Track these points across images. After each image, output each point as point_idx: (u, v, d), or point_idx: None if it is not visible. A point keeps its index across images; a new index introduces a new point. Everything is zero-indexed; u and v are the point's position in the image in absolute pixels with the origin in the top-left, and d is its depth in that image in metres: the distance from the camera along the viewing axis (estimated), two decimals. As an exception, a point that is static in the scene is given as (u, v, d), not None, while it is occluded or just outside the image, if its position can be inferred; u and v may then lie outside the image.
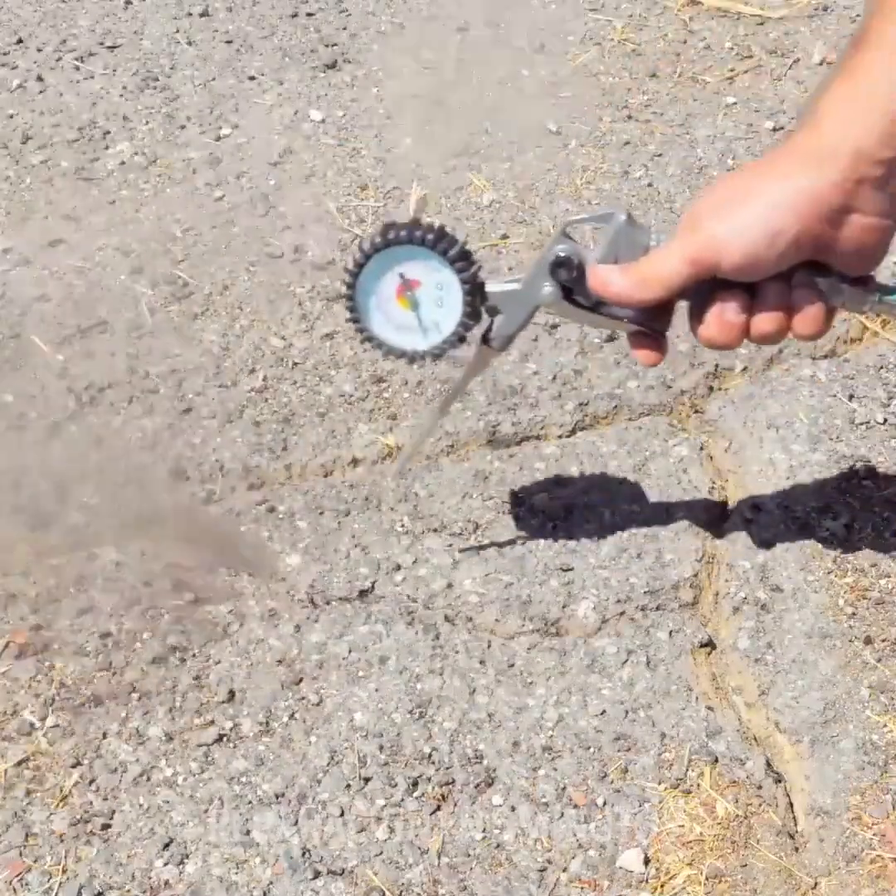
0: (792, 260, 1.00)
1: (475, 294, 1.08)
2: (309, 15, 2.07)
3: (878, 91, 0.94)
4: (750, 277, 1.01)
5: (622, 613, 1.24)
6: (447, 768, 1.11)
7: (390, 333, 1.11)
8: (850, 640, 1.22)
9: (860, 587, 1.27)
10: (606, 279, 1.05)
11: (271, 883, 1.04)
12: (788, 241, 0.97)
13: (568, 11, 2.10)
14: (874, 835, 1.09)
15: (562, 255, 1.06)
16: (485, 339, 1.13)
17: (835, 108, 0.96)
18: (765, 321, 1.03)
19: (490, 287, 1.10)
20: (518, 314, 1.11)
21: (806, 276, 1.02)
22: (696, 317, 1.06)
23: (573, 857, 1.07)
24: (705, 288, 1.03)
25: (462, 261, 1.07)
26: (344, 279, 1.09)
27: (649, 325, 1.09)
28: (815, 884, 1.06)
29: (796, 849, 1.09)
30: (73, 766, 1.10)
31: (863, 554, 1.30)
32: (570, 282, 1.07)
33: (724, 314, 1.03)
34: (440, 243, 1.06)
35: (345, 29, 2.04)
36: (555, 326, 1.54)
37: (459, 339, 1.10)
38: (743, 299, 1.03)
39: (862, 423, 1.43)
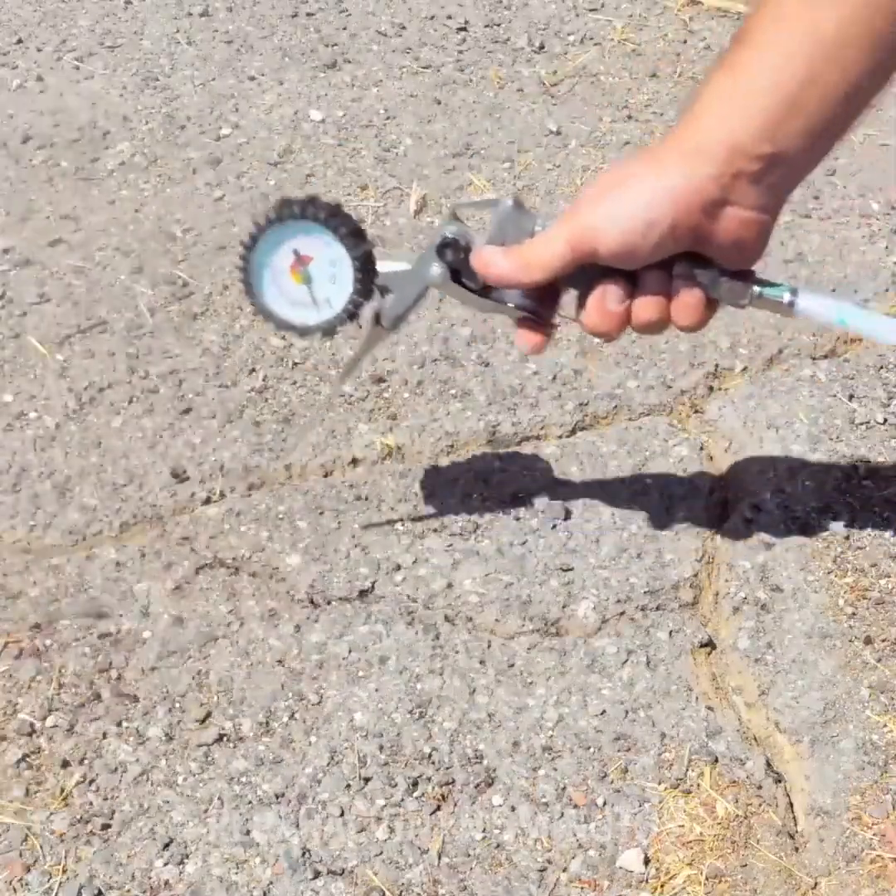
0: (669, 250, 1.01)
1: (366, 272, 1.10)
2: (309, 15, 2.07)
3: (755, 87, 0.95)
4: (627, 265, 1.02)
5: (622, 613, 1.24)
6: (447, 768, 1.11)
7: (283, 307, 1.13)
8: (850, 640, 1.22)
9: (860, 587, 1.27)
10: (489, 260, 1.07)
11: (271, 883, 1.04)
12: (664, 231, 0.98)
13: (568, 11, 2.10)
14: (874, 835, 1.09)
15: (448, 236, 1.09)
16: (376, 319, 1.15)
17: (714, 103, 0.98)
18: (644, 309, 1.04)
19: (381, 266, 1.12)
20: (408, 294, 1.13)
21: (686, 267, 1.03)
22: (580, 304, 1.08)
23: (573, 857, 1.07)
24: (589, 275, 1.04)
25: (354, 238, 1.08)
26: (239, 252, 1.11)
27: (534, 310, 1.10)
28: (815, 884, 1.06)
29: (796, 849, 1.09)
30: (74, 766, 1.10)
31: (863, 554, 1.30)
32: (457, 263, 1.09)
33: (604, 301, 1.05)
34: (333, 220, 1.07)
35: (345, 29, 2.04)
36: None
37: (349, 316, 1.12)
38: (624, 287, 1.04)
39: (862, 423, 1.43)
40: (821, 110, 0.96)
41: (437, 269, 1.10)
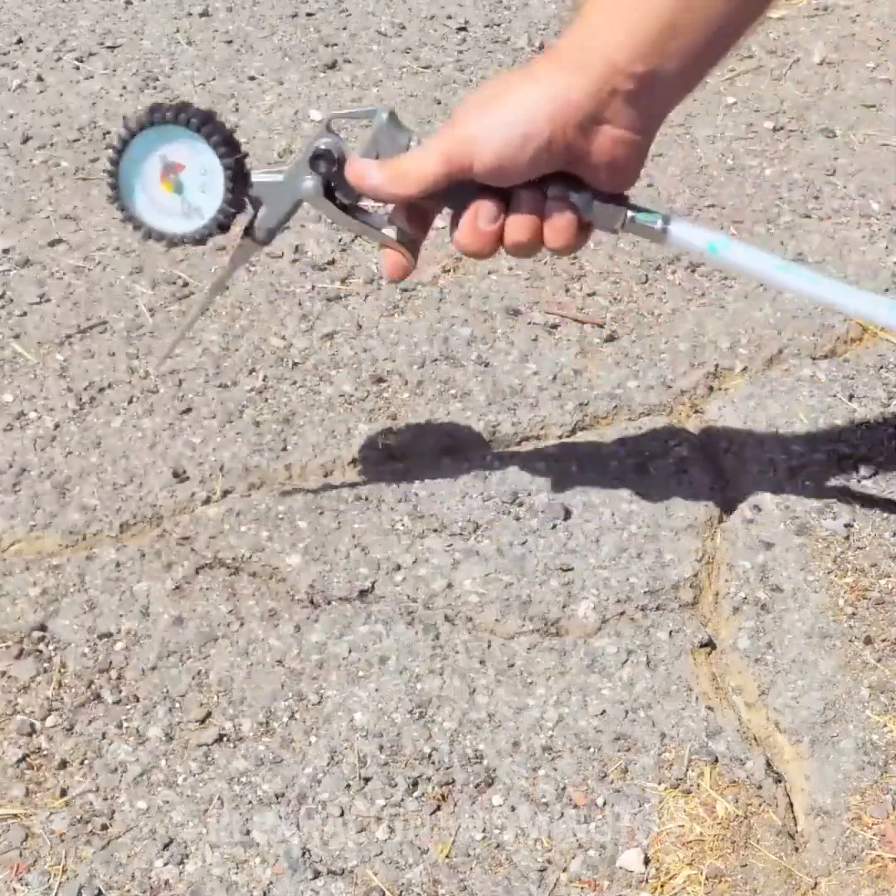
0: (544, 167, 1.01)
1: (238, 181, 1.08)
2: (309, 15, 2.07)
3: (637, 5, 0.95)
4: (502, 181, 1.02)
5: (622, 613, 1.24)
6: (447, 768, 1.11)
7: (153, 216, 1.11)
8: (850, 640, 1.22)
9: (860, 587, 1.27)
10: (363, 172, 1.07)
11: (271, 883, 1.04)
12: (540, 146, 0.98)
13: (568, 11, 2.09)
14: (874, 835, 1.09)
15: (322, 147, 1.08)
16: (247, 231, 1.14)
17: (595, 19, 0.97)
18: (516, 229, 1.04)
19: (254, 176, 1.10)
20: (281, 207, 1.11)
21: (560, 188, 1.02)
22: (454, 223, 1.07)
23: (573, 857, 1.07)
24: (463, 193, 1.04)
25: (226, 146, 1.07)
26: (108, 157, 1.09)
27: (403, 231, 1.11)
28: (815, 884, 1.06)
29: (796, 849, 1.09)
30: (73, 766, 1.10)
31: (863, 554, 1.30)
32: (331, 176, 1.08)
33: (477, 219, 1.05)
34: (205, 127, 1.06)
35: (345, 29, 2.04)
36: (555, 326, 1.54)
37: (220, 226, 1.11)
38: (497, 206, 1.04)
39: (862, 423, 1.43)
40: (699, 32, 0.96)
41: (309, 181, 1.09)
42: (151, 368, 1.31)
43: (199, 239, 1.12)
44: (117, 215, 1.11)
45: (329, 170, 1.08)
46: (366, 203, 1.13)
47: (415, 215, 1.10)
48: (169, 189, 1.09)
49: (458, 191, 1.04)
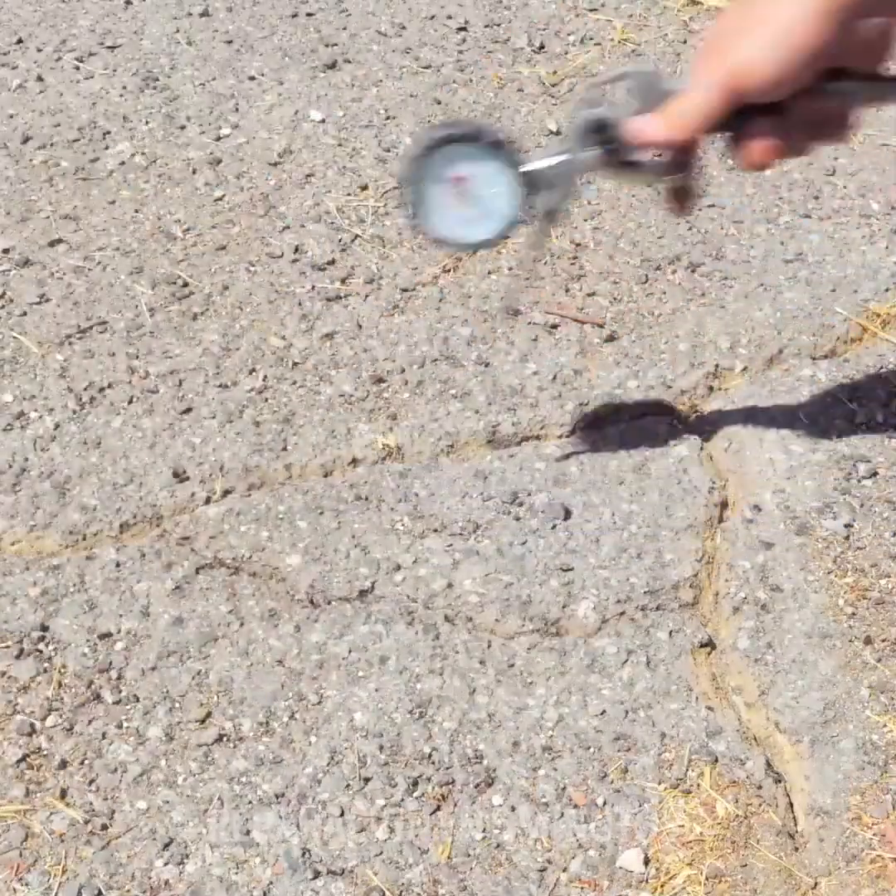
0: (815, 71, 1.03)
1: (522, 176, 1.16)
2: (309, 15, 2.07)
3: None
4: (777, 95, 1.05)
5: (622, 613, 1.24)
6: (447, 768, 1.11)
7: (449, 229, 1.20)
8: (850, 640, 1.22)
9: (860, 587, 1.27)
10: (641, 127, 1.10)
11: (271, 883, 1.04)
12: (813, 52, 1.01)
13: (568, 11, 2.10)
14: (874, 835, 1.09)
15: (593, 118, 1.12)
16: (536, 218, 1.21)
17: None
18: (797, 134, 1.08)
19: (535, 164, 1.17)
20: (565, 186, 1.18)
21: (831, 84, 1.06)
22: (735, 146, 1.11)
23: (573, 857, 1.07)
24: (738, 116, 1.08)
25: (502, 148, 1.15)
26: (400, 186, 1.22)
27: (683, 172, 1.16)
28: (815, 884, 1.06)
29: (796, 849, 1.09)
30: (73, 766, 1.11)
31: (863, 554, 1.30)
32: (607, 141, 1.13)
33: (760, 137, 1.08)
34: (482, 136, 1.15)
35: (345, 29, 2.04)
36: (555, 326, 1.54)
37: (513, 223, 1.19)
38: (775, 118, 1.07)
39: (862, 423, 1.43)
40: None
41: (588, 153, 1.14)
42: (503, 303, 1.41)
43: (499, 239, 1.21)
44: (407, 226, 1.19)
45: (605, 137, 1.13)
46: (639, 156, 1.16)
47: (686, 152, 1.14)
48: (460, 201, 1.18)
49: (732, 116, 1.08)
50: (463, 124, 1.17)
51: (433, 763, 1.12)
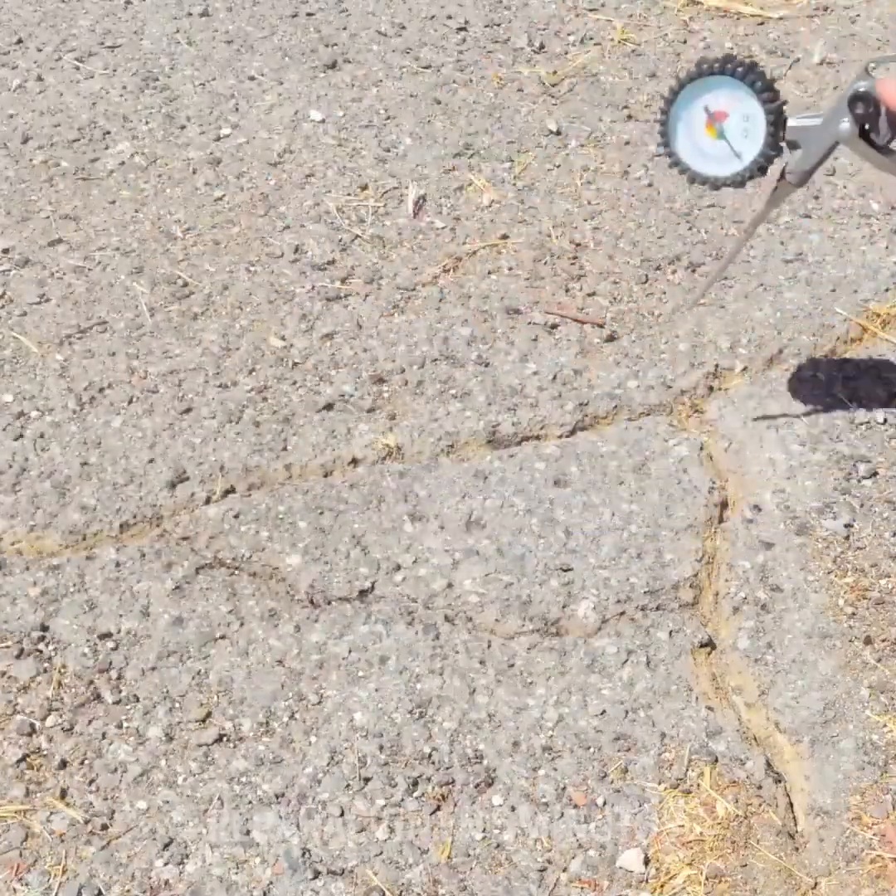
0: None
1: (778, 126, 1.17)
2: (309, 15, 2.07)
3: None
4: None
5: (622, 613, 1.24)
6: (447, 768, 1.11)
7: (696, 160, 1.22)
8: (850, 640, 1.22)
9: (860, 587, 1.27)
10: (895, 91, 1.09)
11: (271, 883, 1.04)
12: None
13: (568, 11, 2.10)
14: (874, 835, 1.09)
15: (861, 89, 1.12)
16: (783, 174, 1.21)
17: None
18: None
19: (792, 121, 1.17)
20: (816, 150, 1.18)
21: None
22: None
23: (573, 857, 1.07)
24: None
25: (768, 92, 1.15)
26: (659, 107, 1.20)
27: None
28: (815, 884, 1.06)
29: (796, 849, 1.09)
30: (73, 766, 1.10)
31: (863, 554, 1.30)
32: (867, 118, 1.13)
33: None
34: (750, 75, 1.15)
35: (345, 29, 2.04)
36: (554, 327, 1.54)
37: (760, 168, 1.19)
38: None
39: (862, 423, 1.43)
40: None
41: (846, 124, 1.14)
42: (686, 306, 1.40)
43: (740, 181, 1.21)
44: (661, 155, 1.24)
45: (867, 111, 1.13)
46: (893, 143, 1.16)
47: None
48: (713, 135, 1.20)
49: None
50: (732, 59, 1.16)
51: (433, 763, 1.12)
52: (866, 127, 1.13)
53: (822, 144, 1.18)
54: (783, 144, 1.19)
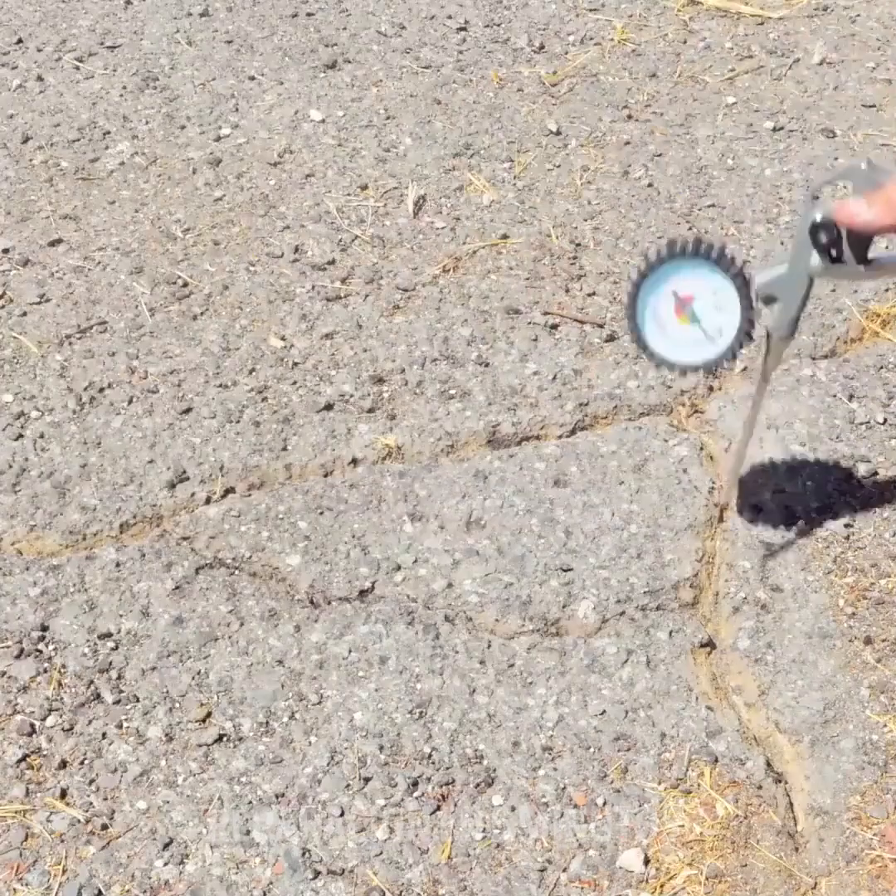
0: None
1: (749, 288, 1.11)
2: (309, 15, 2.07)
3: None
4: None
5: (622, 613, 1.24)
6: (447, 768, 1.11)
7: (678, 352, 1.14)
8: (850, 640, 1.22)
9: (860, 587, 1.27)
10: (854, 211, 1.07)
11: (271, 883, 1.04)
12: None
13: (568, 11, 2.10)
14: (874, 835, 1.09)
15: (819, 219, 1.09)
16: (770, 331, 1.16)
17: None
18: None
19: (760, 277, 1.12)
20: (794, 296, 1.13)
21: None
22: None
23: (573, 857, 1.07)
24: None
25: (727, 260, 1.10)
26: (622, 311, 1.14)
27: None
28: (815, 884, 1.06)
29: (796, 849, 1.09)
30: (73, 766, 1.10)
31: (863, 554, 1.30)
32: (833, 243, 1.09)
33: None
34: (704, 250, 1.09)
35: (345, 29, 2.04)
36: (555, 327, 1.54)
37: (747, 336, 1.13)
38: None
39: (862, 423, 1.43)
40: None
41: (815, 259, 1.10)
42: (722, 499, 1.30)
43: (731, 358, 1.14)
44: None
45: (830, 238, 1.09)
46: (873, 253, 1.11)
47: None
48: (686, 322, 1.13)
49: None
50: (684, 240, 1.10)
51: (433, 763, 1.12)
52: (832, 252, 1.09)
53: (797, 289, 1.12)
54: (759, 305, 1.13)
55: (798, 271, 1.11)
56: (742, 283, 1.10)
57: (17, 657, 1.17)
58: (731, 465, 1.26)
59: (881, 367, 1.50)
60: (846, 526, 1.32)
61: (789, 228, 1.70)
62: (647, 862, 1.07)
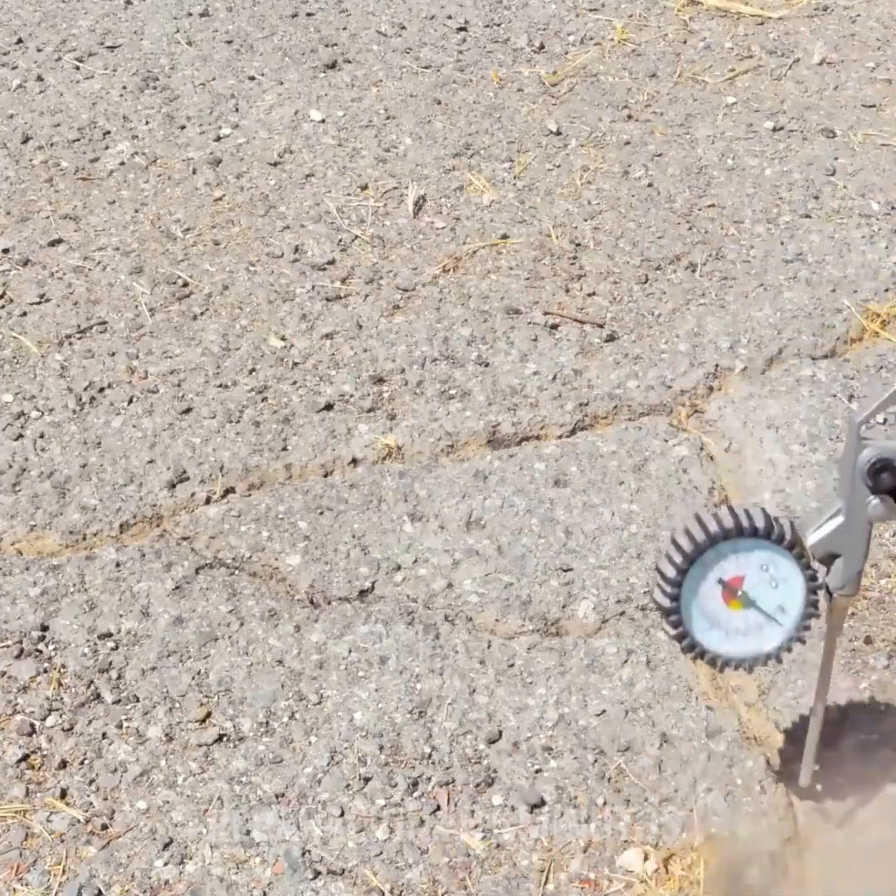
0: None
1: (803, 552, 0.95)
2: (309, 15, 2.07)
3: None
4: None
5: (622, 613, 1.24)
6: (447, 768, 1.11)
7: (740, 645, 0.97)
8: (850, 640, 1.22)
9: (860, 587, 1.26)
10: None
11: (271, 883, 1.04)
12: None
13: (568, 11, 2.10)
14: (874, 835, 1.09)
15: (877, 460, 0.94)
16: (832, 591, 0.98)
17: None
18: None
19: (812, 537, 0.96)
20: (857, 546, 0.96)
21: None
22: None
23: (573, 857, 1.07)
24: None
25: (771, 527, 0.94)
26: (663, 613, 0.95)
27: None
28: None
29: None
30: (73, 766, 1.10)
31: (863, 554, 1.29)
32: (892, 482, 0.93)
33: None
34: (743, 524, 0.93)
35: (345, 29, 2.04)
36: (555, 327, 1.54)
37: (814, 605, 0.97)
38: None
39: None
40: None
41: (876, 503, 0.93)
42: (802, 781, 1.08)
43: (800, 637, 0.98)
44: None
45: (893, 479, 0.92)
46: None
47: None
48: (738, 607, 0.95)
49: None
50: (714, 522, 0.93)
51: (433, 763, 1.12)
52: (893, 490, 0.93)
53: (858, 539, 0.95)
54: (817, 567, 0.96)
55: (856, 520, 0.95)
56: (796, 548, 0.94)
57: (17, 657, 1.17)
58: (808, 750, 1.07)
59: (881, 367, 1.50)
60: (846, 526, 1.31)
61: (790, 228, 1.70)
62: (646, 861, 1.06)
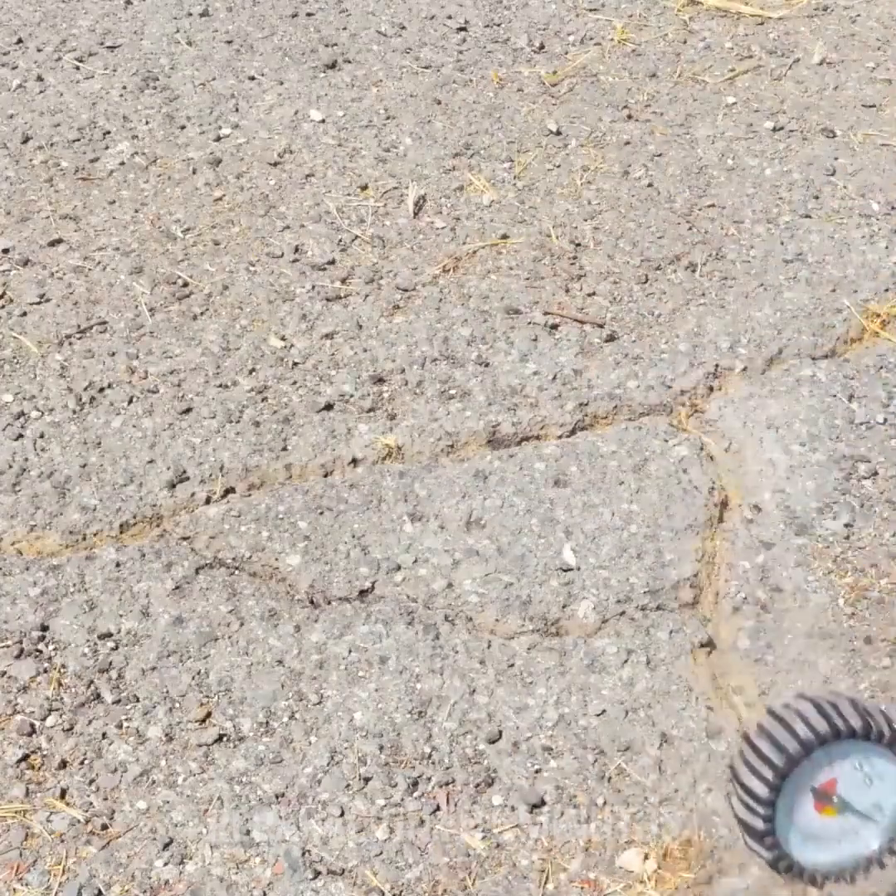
0: None
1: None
2: (309, 15, 2.07)
3: None
4: None
5: (622, 613, 1.24)
6: (447, 768, 1.11)
7: (834, 852, 0.90)
8: (850, 640, 1.22)
9: (860, 587, 1.27)
10: None
11: (271, 883, 1.04)
12: None
13: (568, 11, 2.10)
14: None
15: None
16: None
17: None
18: None
19: None
20: None
21: None
22: None
23: (573, 857, 1.07)
24: None
25: (868, 726, 0.87)
26: (755, 836, 0.88)
27: None
28: (815, 884, 1.06)
29: (796, 849, 1.09)
30: (73, 766, 1.10)
31: (863, 554, 1.30)
32: None
33: None
34: (839, 727, 0.86)
35: (345, 29, 2.04)
36: (555, 327, 1.54)
37: None
38: None
39: (862, 423, 1.43)
40: None
41: None
42: None
43: (885, 851, 0.90)
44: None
45: None
46: None
47: None
48: (832, 813, 0.88)
49: None
50: (808, 721, 0.85)
51: (433, 763, 1.12)
52: None
53: None
54: None
55: None
56: (888, 739, 0.88)
57: (17, 657, 1.17)
58: None
59: (881, 367, 1.50)
60: (846, 526, 1.32)
61: (790, 228, 1.70)
62: (646, 861, 1.06)
